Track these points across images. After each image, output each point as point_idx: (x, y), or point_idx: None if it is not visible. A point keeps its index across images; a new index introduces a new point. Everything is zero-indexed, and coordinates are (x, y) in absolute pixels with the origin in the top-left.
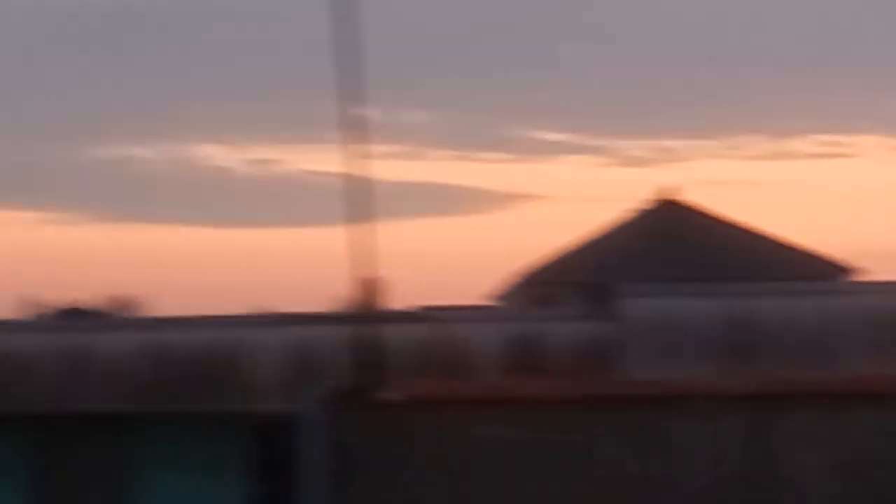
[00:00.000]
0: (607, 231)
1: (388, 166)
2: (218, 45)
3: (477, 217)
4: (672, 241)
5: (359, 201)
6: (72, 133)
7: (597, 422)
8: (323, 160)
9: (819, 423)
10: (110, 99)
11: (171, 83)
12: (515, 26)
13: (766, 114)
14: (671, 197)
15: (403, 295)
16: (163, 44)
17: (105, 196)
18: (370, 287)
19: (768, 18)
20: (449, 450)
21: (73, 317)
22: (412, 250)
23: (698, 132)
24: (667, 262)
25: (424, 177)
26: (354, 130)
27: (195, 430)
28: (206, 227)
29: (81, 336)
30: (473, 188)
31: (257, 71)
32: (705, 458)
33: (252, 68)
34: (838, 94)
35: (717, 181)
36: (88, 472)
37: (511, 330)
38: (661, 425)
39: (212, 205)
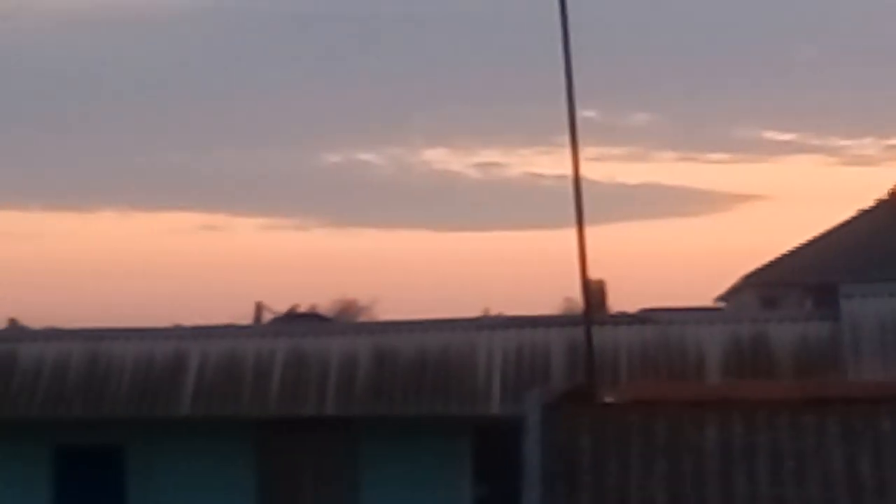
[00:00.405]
0: (833, 231)
1: (614, 168)
2: (444, 49)
3: (702, 218)
4: None
5: (581, 204)
6: (300, 139)
7: (824, 424)
8: (548, 163)
9: None
10: (338, 105)
11: (397, 88)
12: (742, 26)
13: None
14: None
15: (628, 297)
16: (390, 49)
17: (333, 201)
18: (594, 290)
19: None
20: (670, 452)
21: (301, 321)
22: (637, 252)
23: None
24: (892, 261)
25: (650, 178)
26: (579, 133)
27: (420, 433)
28: (433, 230)
29: (308, 340)
30: (699, 189)
31: (483, 75)
32: None
33: (478, 73)
34: None
35: None
36: (314, 475)
37: (735, 331)
38: (886, 427)
39: (438, 209)
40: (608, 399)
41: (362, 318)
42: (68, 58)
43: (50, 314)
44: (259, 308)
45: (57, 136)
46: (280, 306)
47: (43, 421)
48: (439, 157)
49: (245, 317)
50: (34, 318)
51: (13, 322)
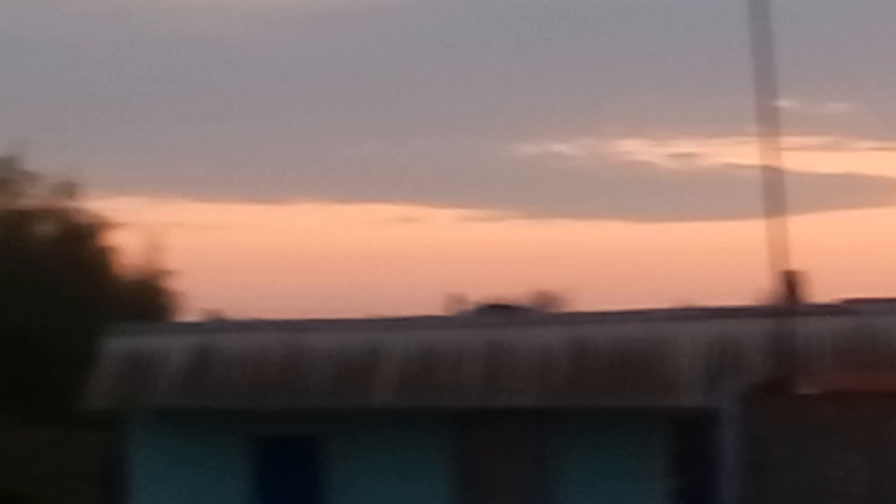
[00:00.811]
0: None
1: (811, 158)
2: (641, 39)
3: None
4: None
5: (778, 194)
6: (495, 130)
7: None
8: (744, 153)
9: None
10: (533, 95)
11: (592, 78)
12: None
13: None
14: None
15: (825, 288)
16: (583, 39)
17: (528, 192)
18: (790, 280)
19: None
20: (869, 444)
21: (497, 313)
22: (834, 243)
23: None
24: None
25: (848, 168)
26: (772, 123)
27: (616, 424)
28: (628, 221)
29: (504, 332)
30: None
31: (678, 64)
32: None
33: (675, 62)
34: None
35: None
36: (510, 465)
37: None
38: None
39: (634, 200)
40: (805, 391)
41: (559, 310)
42: (267, 51)
43: (249, 306)
44: (456, 299)
45: (256, 128)
46: (477, 297)
47: (241, 412)
48: (635, 148)
49: (442, 308)
50: (233, 310)
51: (213, 313)
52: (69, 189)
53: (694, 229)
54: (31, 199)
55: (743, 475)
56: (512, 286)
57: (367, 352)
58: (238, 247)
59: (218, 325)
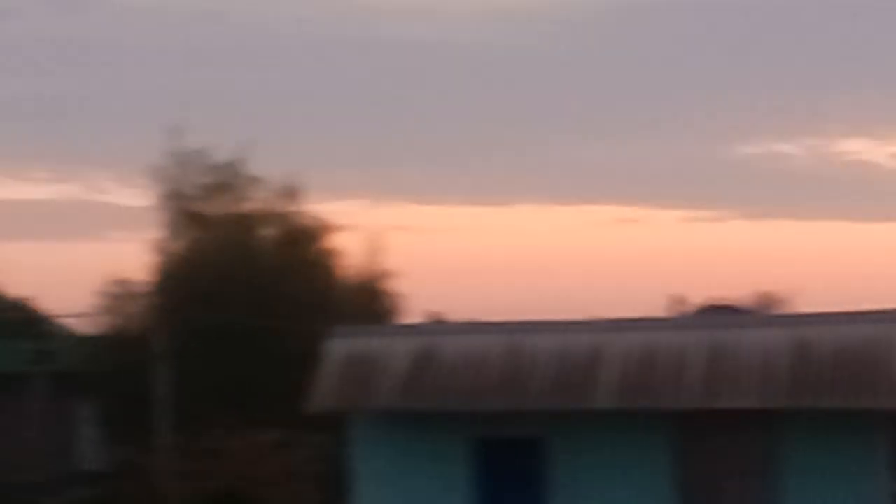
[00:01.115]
0: None
1: None
2: (861, 37)
3: None
4: None
5: None
6: (717, 131)
7: None
8: None
9: None
10: (755, 95)
11: (815, 77)
12: None
13: None
14: None
15: None
16: (805, 38)
17: (750, 193)
18: None
19: None
20: None
21: (719, 314)
22: None
23: None
24: None
25: None
26: None
27: (839, 425)
28: (851, 222)
29: (726, 333)
30: None
31: None
32: None
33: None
34: None
35: None
36: (734, 466)
37: None
38: None
39: (856, 200)
40: None
41: (781, 311)
42: (485, 52)
43: (470, 308)
44: (677, 300)
45: (475, 130)
46: (698, 298)
47: (463, 414)
48: (858, 147)
49: (663, 309)
50: (455, 312)
51: (434, 316)
52: (292, 192)
53: None
54: (255, 202)
55: None
56: (734, 287)
57: (588, 353)
58: (459, 249)
59: (439, 328)
